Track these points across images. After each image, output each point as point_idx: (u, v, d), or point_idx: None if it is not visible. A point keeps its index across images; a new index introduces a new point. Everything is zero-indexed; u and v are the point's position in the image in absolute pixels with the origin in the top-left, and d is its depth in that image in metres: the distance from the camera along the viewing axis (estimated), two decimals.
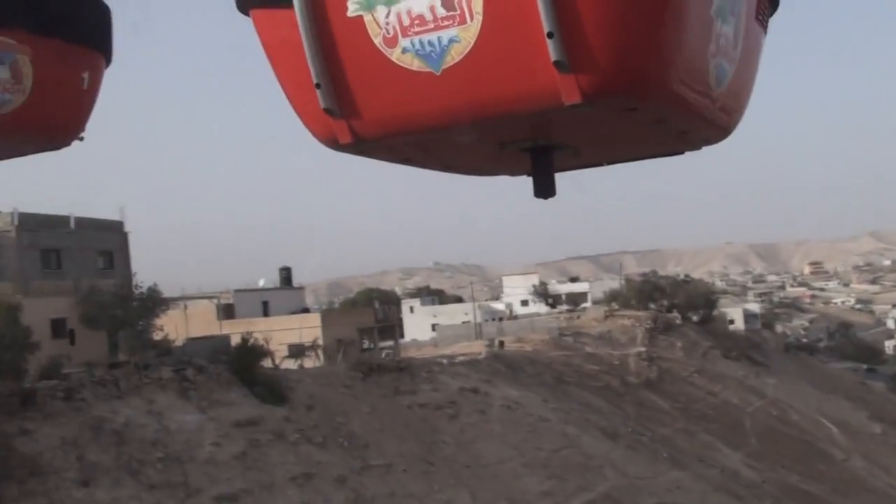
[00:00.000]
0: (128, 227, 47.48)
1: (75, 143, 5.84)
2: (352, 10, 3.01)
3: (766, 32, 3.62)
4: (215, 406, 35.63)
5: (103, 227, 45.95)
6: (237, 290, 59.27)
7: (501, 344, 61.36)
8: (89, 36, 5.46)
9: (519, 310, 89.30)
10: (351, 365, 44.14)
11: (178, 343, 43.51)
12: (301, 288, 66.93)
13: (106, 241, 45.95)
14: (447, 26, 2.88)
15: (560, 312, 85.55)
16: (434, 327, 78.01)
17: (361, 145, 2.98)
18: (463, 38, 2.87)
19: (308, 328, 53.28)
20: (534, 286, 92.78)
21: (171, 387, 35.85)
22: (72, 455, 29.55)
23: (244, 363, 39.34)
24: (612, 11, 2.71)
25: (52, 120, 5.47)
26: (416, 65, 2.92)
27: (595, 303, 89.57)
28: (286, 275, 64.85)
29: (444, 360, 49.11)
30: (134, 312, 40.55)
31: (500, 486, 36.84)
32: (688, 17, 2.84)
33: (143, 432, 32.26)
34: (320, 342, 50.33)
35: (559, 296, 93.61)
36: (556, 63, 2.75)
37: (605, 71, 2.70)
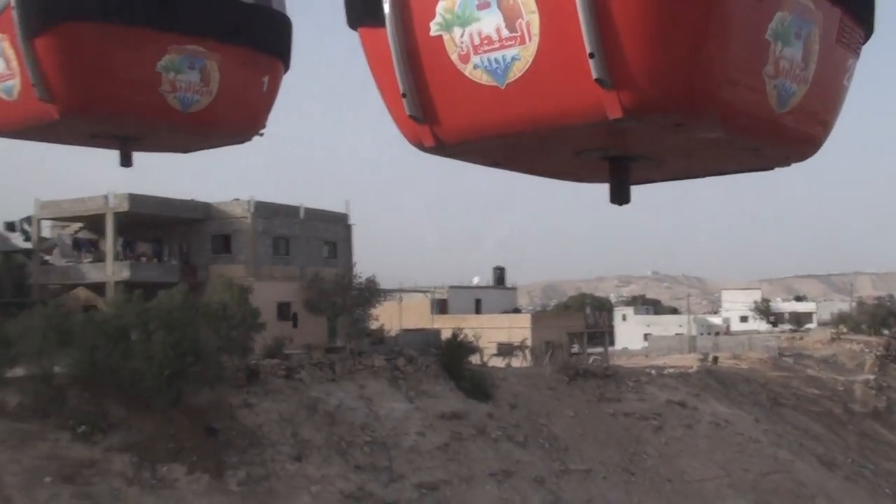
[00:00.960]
0: (352, 220, 49.74)
1: (256, 138, 6.60)
2: (434, 30, 3.49)
3: (855, 55, 3.60)
4: (422, 396, 36.72)
5: (330, 218, 48.34)
6: (452, 287, 60.70)
7: (715, 359, 59.35)
8: (272, 45, 6.13)
9: (737, 326, 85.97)
10: (557, 368, 44.16)
11: (392, 333, 45.12)
12: (513, 288, 67.62)
13: (331, 231, 48.32)
14: (510, 46, 3.29)
15: (782, 332, 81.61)
16: (646, 337, 76.58)
17: (444, 149, 3.31)
18: (523, 56, 3.27)
19: (518, 328, 53.76)
20: (755, 302, 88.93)
21: (382, 374, 37.29)
22: (287, 430, 31.38)
23: (453, 357, 40.26)
24: (650, 33, 2.90)
25: (235, 118, 6.22)
26: (484, 79, 3.34)
27: (821, 324, 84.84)
28: (500, 274, 65.73)
29: (653, 371, 48.13)
30: (352, 301, 42.46)
31: None
32: (731, 40, 2.93)
33: (354, 415, 33.77)
34: (528, 343, 50.65)
35: (782, 314, 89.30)
36: (598, 80, 3.06)
37: (644, 89, 2.90)
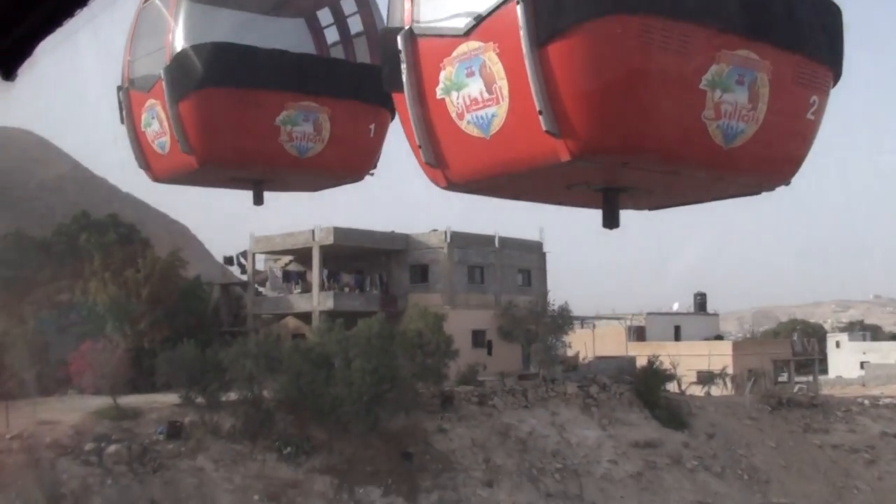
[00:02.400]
0: (546, 248, 50.18)
1: (368, 177, 7.72)
2: (438, 94, 4.48)
3: (819, 93, 4.03)
4: (615, 424, 36.54)
5: (524, 247, 48.98)
6: (649, 314, 59.82)
7: None
8: (375, 96, 7.20)
9: None
10: (759, 396, 42.65)
11: (586, 361, 45.08)
12: (715, 314, 65.73)
13: (526, 259, 48.94)
14: (490, 105, 4.18)
15: None
16: (863, 365, 72.22)
17: (456, 188, 4.13)
18: (499, 113, 4.15)
19: (718, 356, 52.24)
20: None
21: (574, 402, 37.43)
22: (479, 456, 32.13)
23: (647, 385, 39.81)
24: (584, 93, 3.67)
25: (346, 161, 7.46)
26: (475, 132, 4.25)
27: None
28: (701, 300, 64.10)
29: (866, 401, 45.48)
30: (546, 328, 42.80)
31: None
32: (657, 94, 3.51)
33: (545, 442, 34.10)
34: (729, 371, 49.13)
35: None
36: (547, 132, 3.91)
37: (584, 137, 3.64)
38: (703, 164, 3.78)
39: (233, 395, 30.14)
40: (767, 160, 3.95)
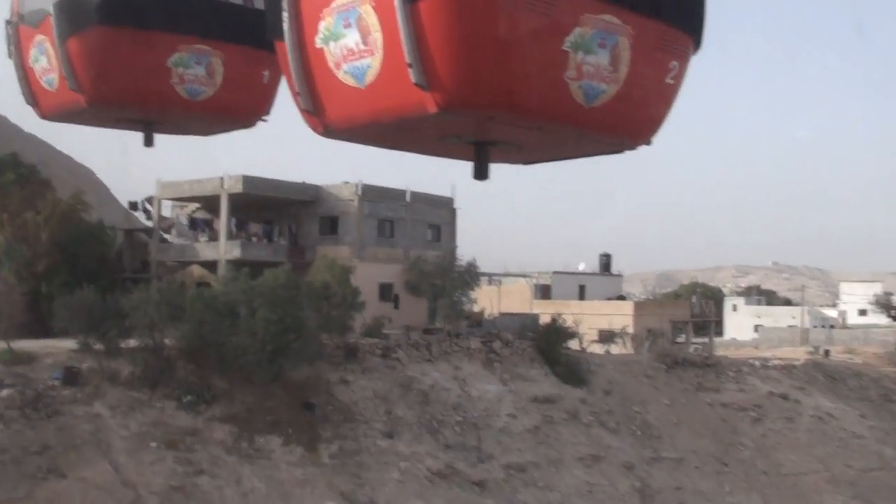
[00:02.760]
0: (457, 204, 50.47)
1: (260, 123, 7.78)
2: (317, 43, 4.62)
3: (679, 59, 4.28)
4: (516, 380, 37.30)
5: (435, 202, 49.20)
6: (555, 273, 60.89)
7: (827, 353, 57.80)
8: (270, 43, 7.16)
9: (854, 319, 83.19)
10: (656, 356, 43.98)
11: (491, 317, 45.73)
12: (619, 275, 67.24)
13: (436, 215, 49.20)
14: (365, 56, 4.34)
15: None
16: (757, 328, 75.03)
17: (332, 135, 4.26)
18: (374, 64, 4.32)
19: (620, 315, 53.60)
20: (875, 295, 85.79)
21: (477, 356, 38.03)
22: (381, 408, 32.47)
23: (549, 342, 40.68)
24: (453, 49, 3.78)
25: (237, 107, 7.48)
26: (351, 82, 4.41)
27: None
28: (606, 261, 65.46)
29: (756, 362, 47.36)
30: (452, 284, 43.24)
31: (798, 499, 35.23)
32: (520, 54, 3.69)
33: (447, 396, 34.63)
34: (630, 330, 50.48)
35: None
36: (417, 84, 4.08)
37: (451, 91, 3.79)
38: (565, 121, 4.00)
39: (133, 343, 29.73)
40: (628, 120, 4.18)
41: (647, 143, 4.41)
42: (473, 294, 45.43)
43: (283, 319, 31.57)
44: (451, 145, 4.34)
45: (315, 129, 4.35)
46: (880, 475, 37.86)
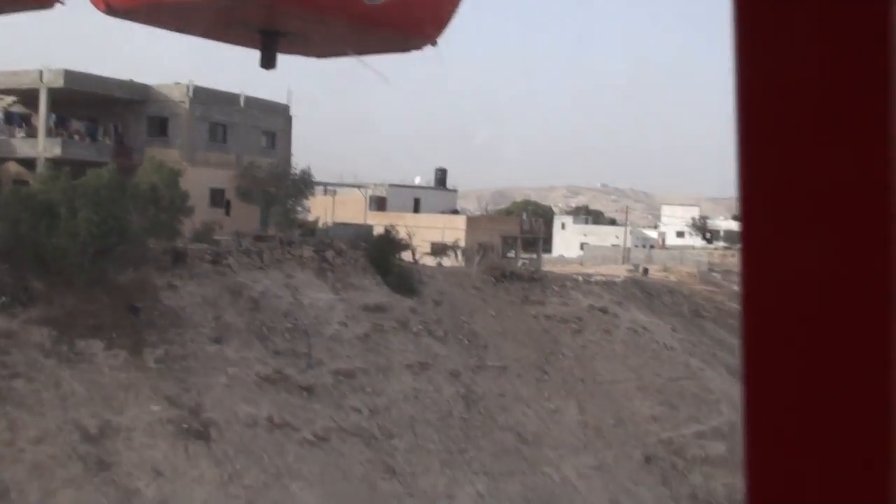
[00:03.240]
0: (293, 111, 49.57)
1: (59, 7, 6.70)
2: None
3: None
4: (348, 289, 37.51)
5: (270, 108, 48.13)
6: (391, 185, 61.16)
7: (645, 271, 60.91)
8: None
9: (673, 240, 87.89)
10: (485, 269, 45.14)
11: (325, 226, 45.63)
12: (454, 190, 68.22)
13: (271, 121, 48.20)
14: None
15: (715, 248, 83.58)
16: (583, 246, 78.08)
17: (113, 13, 3.92)
18: None
19: (453, 229, 54.57)
20: (693, 219, 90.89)
21: (309, 265, 37.94)
22: (209, 314, 32.05)
23: (382, 253, 41.00)
24: None
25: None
26: None
27: None
28: (441, 176, 66.21)
29: (580, 278, 49.39)
30: (286, 192, 42.78)
31: (611, 405, 37.38)
32: None
33: (277, 303, 34.50)
34: (461, 244, 51.53)
35: (717, 231, 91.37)
36: None
37: None
38: (344, 16, 3.85)
39: None
40: (410, 19, 4.06)
41: (433, 44, 4.31)
42: (307, 203, 45.14)
43: (107, 221, 30.50)
44: (239, 33, 4.09)
45: (97, 6, 4.00)
46: (686, 383, 40.59)
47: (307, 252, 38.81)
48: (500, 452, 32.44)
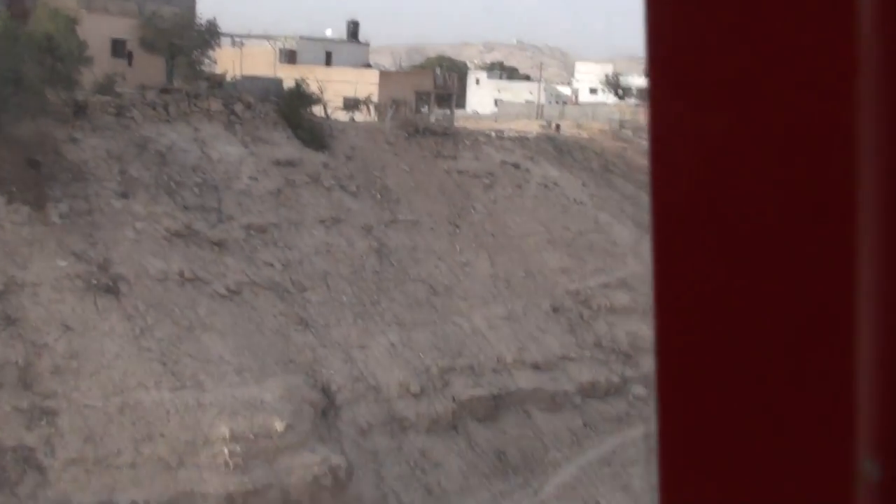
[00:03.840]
0: None
1: None
2: None
3: None
4: (258, 143, 36.95)
5: None
6: (302, 38, 59.45)
7: (558, 127, 61.24)
8: None
9: (586, 97, 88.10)
10: (398, 124, 44.84)
11: (233, 80, 44.40)
12: (367, 44, 66.68)
13: None
14: None
15: (627, 105, 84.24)
16: (497, 102, 77.80)
17: None
18: None
19: (366, 84, 53.71)
20: (606, 75, 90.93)
21: (218, 119, 37.13)
22: (115, 168, 31.33)
23: (293, 107, 40.29)
24: None
25: None
26: None
27: None
28: (353, 29, 64.50)
29: (493, 134, 49.50)
30: (191, 43, 41.29)
31: (521, 258, 38.22)
32: None
33: (185, 157, 33.86)
34: (374, 99, 50.86)
35: (630, 89, 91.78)
36: None
37: None
38: None
39: None
40: None
41: None
42: (214, 55, 43.74)
43: (1, 71, 29.19)
44: None
45: None
46: (594, 237, 41.64)
47: (215, 105, 37.87)
48: (413, 304, 33.11)
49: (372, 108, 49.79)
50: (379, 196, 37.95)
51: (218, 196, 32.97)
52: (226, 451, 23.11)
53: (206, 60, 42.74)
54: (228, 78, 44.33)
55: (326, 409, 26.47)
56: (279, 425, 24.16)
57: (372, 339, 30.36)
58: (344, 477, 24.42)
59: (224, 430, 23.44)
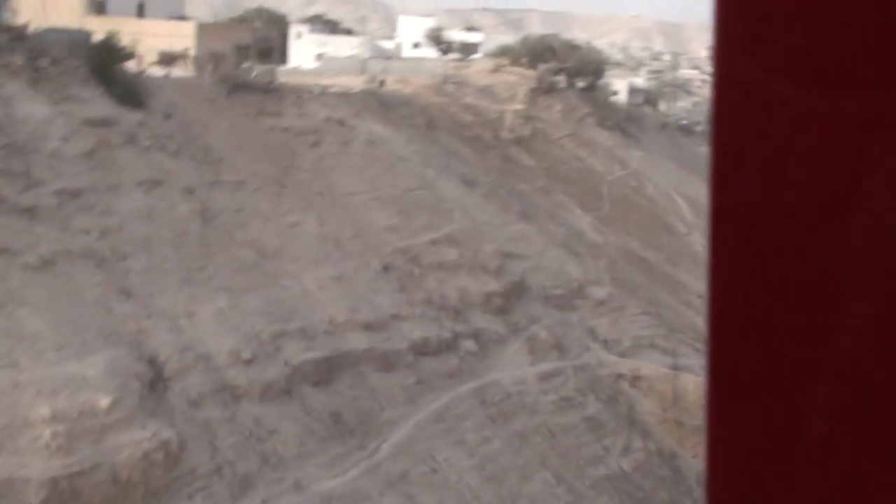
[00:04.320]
0: None
1: None
2: None
3: None
4: (68, 101, 34.83)
5: None
6: None
7: (382, 82, 60.88)
8: None
9: (409, 52, 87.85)
10: (218, 79, 43.30)
11: (36, 31, 41.51)
12: None
13: None
14: None
15: (450, 60, 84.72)
16: (319, 57, 76.45)
17: None
18: None
19: (182, 37, 51.55)
20: (429, 30, 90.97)
21: (21, 74, 34.69)
22: None
23: (104, 62, 38.15)
24: None
25: None
26: None
27: (487, 56, 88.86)
28: None
29: (316, 89, 48.65)
30: None
31: (349, 216, 37.92)
32: None
33: None
34: (191, 53, 48.89)
35: (452, 44, 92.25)
36: None
37: None
38: None
39: None
40: None
41: None
42: (12, 3, 40.74)
43: None
44: None
45: None
46: (421, 193, 41.80)
47: (17, 60, 35.30)
48: (240, 268, 32.28)
49: (189, 63, 47.85)
50: (200, 156, 36.63)
51: (25, 159, 30.86)
52: (48, 432, 21.88)
53: (5, 10, 39.70)
54: (31, 29, 41.39)
55: (154, 381, 25.50)
56: (104, 402, 23.07)
57: (199, 306, 29.42)
58: (176, 451, 23.66)
59: (44, 411, 22.17)
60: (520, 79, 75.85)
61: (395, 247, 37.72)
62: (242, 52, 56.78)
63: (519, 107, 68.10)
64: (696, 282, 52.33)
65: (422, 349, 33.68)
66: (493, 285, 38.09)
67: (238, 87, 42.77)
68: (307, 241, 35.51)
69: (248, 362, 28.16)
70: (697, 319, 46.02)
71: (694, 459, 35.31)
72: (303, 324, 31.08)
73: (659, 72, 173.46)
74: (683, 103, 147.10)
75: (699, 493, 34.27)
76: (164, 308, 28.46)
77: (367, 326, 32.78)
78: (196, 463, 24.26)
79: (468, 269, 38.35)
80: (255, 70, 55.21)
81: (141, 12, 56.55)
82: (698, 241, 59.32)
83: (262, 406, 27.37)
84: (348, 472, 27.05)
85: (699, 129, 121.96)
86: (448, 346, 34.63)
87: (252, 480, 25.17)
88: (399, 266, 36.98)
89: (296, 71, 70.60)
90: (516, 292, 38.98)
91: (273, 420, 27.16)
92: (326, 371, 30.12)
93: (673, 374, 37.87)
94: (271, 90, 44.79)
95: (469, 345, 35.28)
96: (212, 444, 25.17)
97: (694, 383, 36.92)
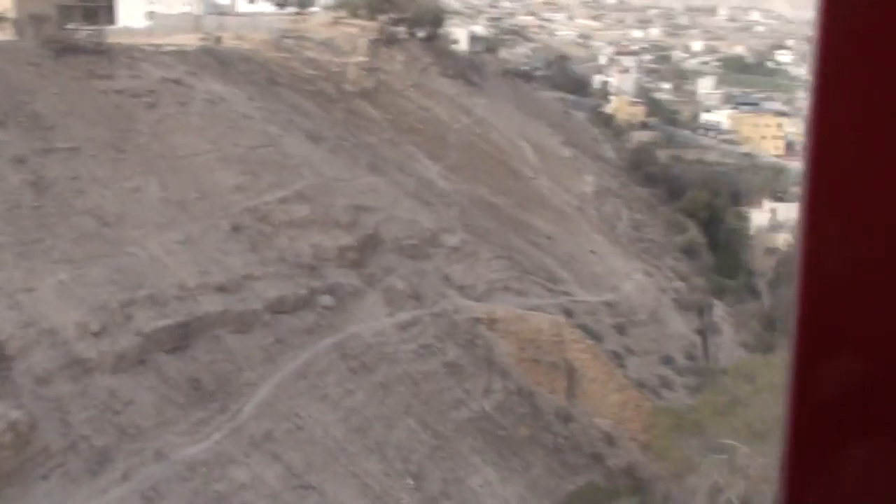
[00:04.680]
0: None
1: None
2: None
3: None
4: None
5: None
6: None
7: (218, 39, 59.10)
8: None
9: (245, 7, 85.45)
10: (42, 42, 41.05)
11: None
12: None
13: None
14: None
15: (287, 14, 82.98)
16: (151, 15, 73.38)
17: None
18: None
19: None
20: None
21: None
22: None
23: None
24: None
25: None
26: None
27: (325, 9, 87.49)
28: None
29: (149, 49, 46.82)
30: None
31: (193, 179, 36.94)
32: None
33: None
34: (10, 15, 46.03)
35: None
36: None
37: None
38: None
39: None
40: None
41: None
42: None
43: None
44: None
45: None
46: (266, 151, 41.08)
47: None
48: (81, 238, 31.01)
49: (9, 25, 45.07)
50: (29, 124, 34.77)
51: None
52: None
53: None
54: None
55: None
56: None
57: (39, 279, 28.14)
58: (26, 431, 22.73)
59: None
60: (360, 31, 75.10)
61: (244, 206, 37.05)
62: (66, 12, 53.94)
63: (361, 59, 67.52)
64: (545, 224, 53.72)
65: (278, 308, 33.39)
66: (346, 239, 38.01)
67: (64, 49, 40.70)
68: (150, 206, 34.42)
69: (97, 334, 27.24)
70: (547, 260, 47.33)
71: (551, 395, 36.56)
72: (152, 291, 30.24)
73: (497, 19, 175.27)
74: (522, 49, 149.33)
75: (557, 428, 35.58)
76: (1, 284, 27.11)
77: (220, 289, 32.21)
78: (49, 441, 23.40)
79: (320, 224, 38.10)
80: (83, 31, 52.64)
81: None
82: (545, 185, 60.78)
83: (116, 378, 26.58)
84: (211, 437, 26.69)
85: (539, 73, 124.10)
86: (305, 302, 34.45)
87: (110, 454, 24.51)
88: (249, 226, 36.39)
89: (126, 30, 67.52)
90: (370, 245, 39.04)
91: (128, 391, 26.45)
92: (181, 337, 29.48)
93: (527, 315, 38.92)
94: (101, 51, 42.83)
95: (326, 300, 35.19)
96: (64, 420, 24.31)
97: (548, 322, 38.09)
